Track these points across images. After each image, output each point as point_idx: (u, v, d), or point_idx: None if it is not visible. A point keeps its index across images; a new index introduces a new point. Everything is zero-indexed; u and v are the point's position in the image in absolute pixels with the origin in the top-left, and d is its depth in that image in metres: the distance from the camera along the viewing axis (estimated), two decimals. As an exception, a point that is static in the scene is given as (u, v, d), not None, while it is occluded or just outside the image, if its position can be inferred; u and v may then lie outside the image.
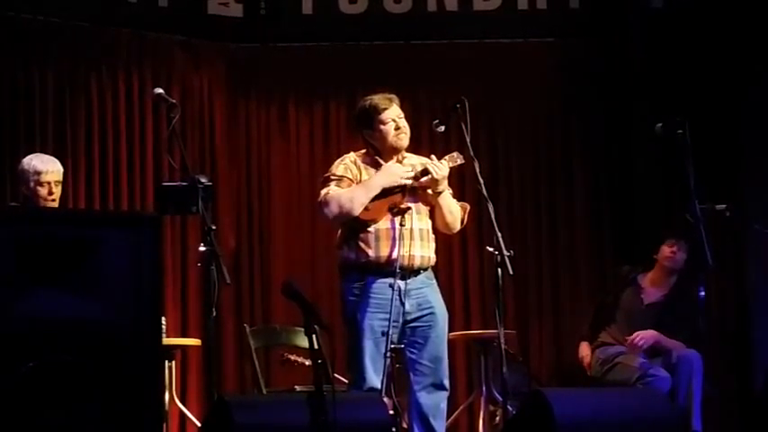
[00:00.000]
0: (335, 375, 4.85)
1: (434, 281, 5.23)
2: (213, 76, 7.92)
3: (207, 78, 7.90)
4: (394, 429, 4.61)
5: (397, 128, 5.18)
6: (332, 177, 5.17)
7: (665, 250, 6.90)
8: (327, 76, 8.04)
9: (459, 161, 5.19)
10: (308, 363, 5.95)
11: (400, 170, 5.13)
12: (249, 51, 8.04)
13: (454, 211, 5.23)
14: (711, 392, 6.45)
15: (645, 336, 6.67)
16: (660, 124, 5.50)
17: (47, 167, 5.84)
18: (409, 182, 5.09)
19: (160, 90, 5.24)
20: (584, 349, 6.94)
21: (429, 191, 5.15)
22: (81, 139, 7.40)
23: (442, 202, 5.17)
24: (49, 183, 5.81)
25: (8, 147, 7.13)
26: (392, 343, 4.90)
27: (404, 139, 5.21)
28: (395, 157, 5.21)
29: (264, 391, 6.41)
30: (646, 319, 6.79)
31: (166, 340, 6.31)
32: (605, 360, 6.79)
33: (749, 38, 7.35)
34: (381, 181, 5.09)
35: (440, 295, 5.23)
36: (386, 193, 5.07)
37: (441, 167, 5.09)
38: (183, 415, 7.03)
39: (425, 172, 5.10)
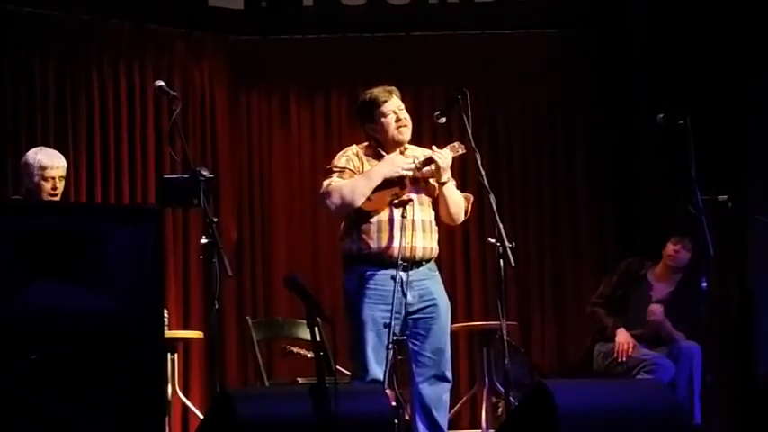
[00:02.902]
0: (338, 367, 4.85)
1: (437, 272, 5.21)
2: (214, 69, 7.92)
3: (208, 71, 7.89)
4: (396, 421, 4.60)
5: (398, 119, 5.15)
6: (334, 169, 5.15)
7: (669, 249, 6.91)
8: (328, 69, 8.03)
9: (461, 151, 5.18)
10: (310, 355, 5.96)
11: (402, 161, 5.11)
12: (250, 43, 8.04)
13: (459, 201, 5.21)
14: (711, 383, 6.45)
15: (655, 308, 6.70)
16: (662, 115, 5.50)
17: (52, 162, 5.80)
18: (410, 173, 5.07)
19: (161, 83, 5.23)
20: (624, 334, 6.76)
21: (433, 181, 5.13)
22: (82, 131, 7.40)
23: (446, 192, 5.15)
24: (53, 178, 5.77)
25: (10, 140, 7.13)
26: (394, 334, 4.88)
27: (405, 132, 5.19)
28: (397, 150, 5.21)
29: (267, 384, 6.41)
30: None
31: (169, 333, 6.32)
32: (607, 352, 6.79)
33: (752, 26, 7.33)
34: (383, 170, 5.06)
35: (442, 287, 5.21)
36: (388, 183, 5.06)
37: (444, 156, 5.09)
38: (185, 407, 7.03)
39: (428, 162, 5.08)
